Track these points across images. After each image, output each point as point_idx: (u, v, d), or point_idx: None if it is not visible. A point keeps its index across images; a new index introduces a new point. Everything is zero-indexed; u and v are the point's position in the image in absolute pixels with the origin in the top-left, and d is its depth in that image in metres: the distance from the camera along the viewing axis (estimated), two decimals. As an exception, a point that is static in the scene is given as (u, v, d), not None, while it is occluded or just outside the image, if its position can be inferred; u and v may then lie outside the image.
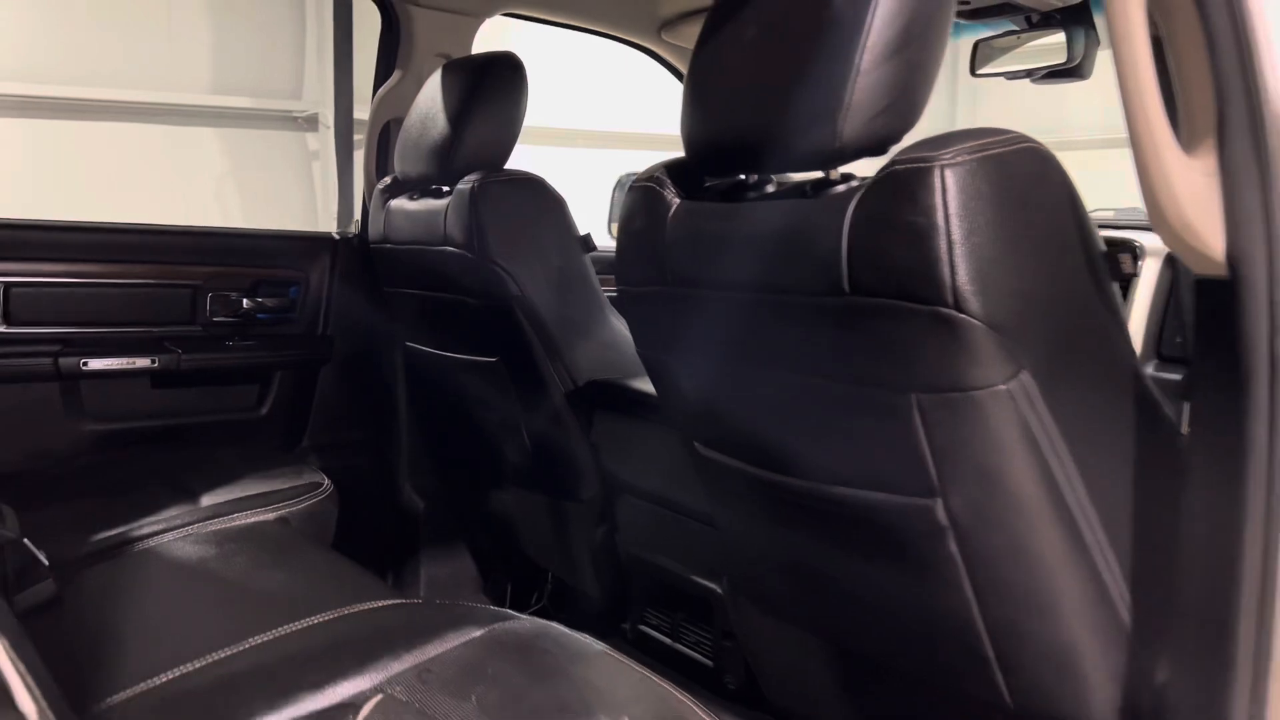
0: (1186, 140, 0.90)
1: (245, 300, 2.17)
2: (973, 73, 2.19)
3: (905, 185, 0.92)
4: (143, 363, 2.05)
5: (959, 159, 0.90)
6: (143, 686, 1.09)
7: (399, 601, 1.28)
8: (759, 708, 1.64)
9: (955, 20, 2.27)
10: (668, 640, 1.85)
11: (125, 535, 1.50)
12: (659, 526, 1.78)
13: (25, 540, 1.16)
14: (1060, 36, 2.06)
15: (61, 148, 5.20)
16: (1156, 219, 0.88)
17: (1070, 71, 2.07)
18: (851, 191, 0.98)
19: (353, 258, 2.27)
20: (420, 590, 2.36)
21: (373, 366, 2.33)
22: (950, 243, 0.89)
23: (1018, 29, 2.14)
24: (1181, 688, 0.94)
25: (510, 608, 2.12)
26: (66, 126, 5.27)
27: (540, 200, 1.81)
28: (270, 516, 1.61)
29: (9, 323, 1.96)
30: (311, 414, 2.30)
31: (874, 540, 1.10)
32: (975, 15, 2.11)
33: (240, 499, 1.64)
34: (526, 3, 2.26)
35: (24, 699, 0.65)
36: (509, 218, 1.77)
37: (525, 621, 1.21)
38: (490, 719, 0.98)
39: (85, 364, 1.99)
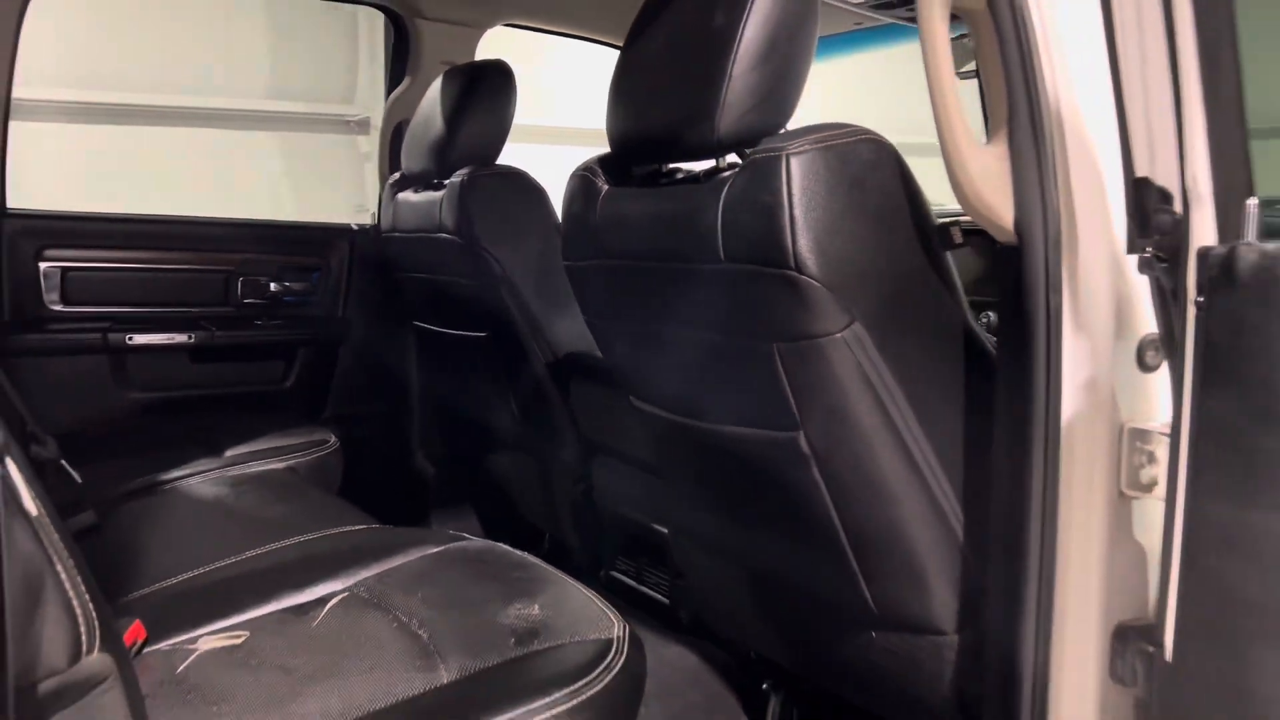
0: (990, 130, 1.10)
1: (273, 284, 2.43)
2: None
3: (760, 171, 1.12)
4: (181, 339, 2.32)
5: (804, 149, 1.11)
6: (159, 585, 1.34)
7: (374, 526, 1.52)
8: (707, 638, 1.86)
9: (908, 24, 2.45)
10: (634, 583, 2.07)
11: (154, 479, 1.75)
12: (627, 482, 1.99)
13: (63, 462, 1.41)
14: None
15: (126, 152, 5.54)
16: (959, 197, 1.08)
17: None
18: (727, 177, 1.18)
19: (368, 246, 2.51)
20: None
21: (386, 344, 2.57)
22: (793, 218, 1.10)
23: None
24: (993, 580, 1.13)
25: None
26: (131, 131, 5.62)
27: (523, 192, 2.03)
28: (280, 465, 1.86)
29: (65, 303, 2.24)
30: (331, 387, 2.55)
31: (761, 471, 1.31)
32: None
33: (255, 451, 1.89)
34: (524, 14, 2.49)
35: (69, 587, 0.87)
36: (495, 207, 2.00)
37: (477, 542, 1.43)
38: (430, 607, 1.20)
39: (130, 339, 2.26)
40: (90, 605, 0.72)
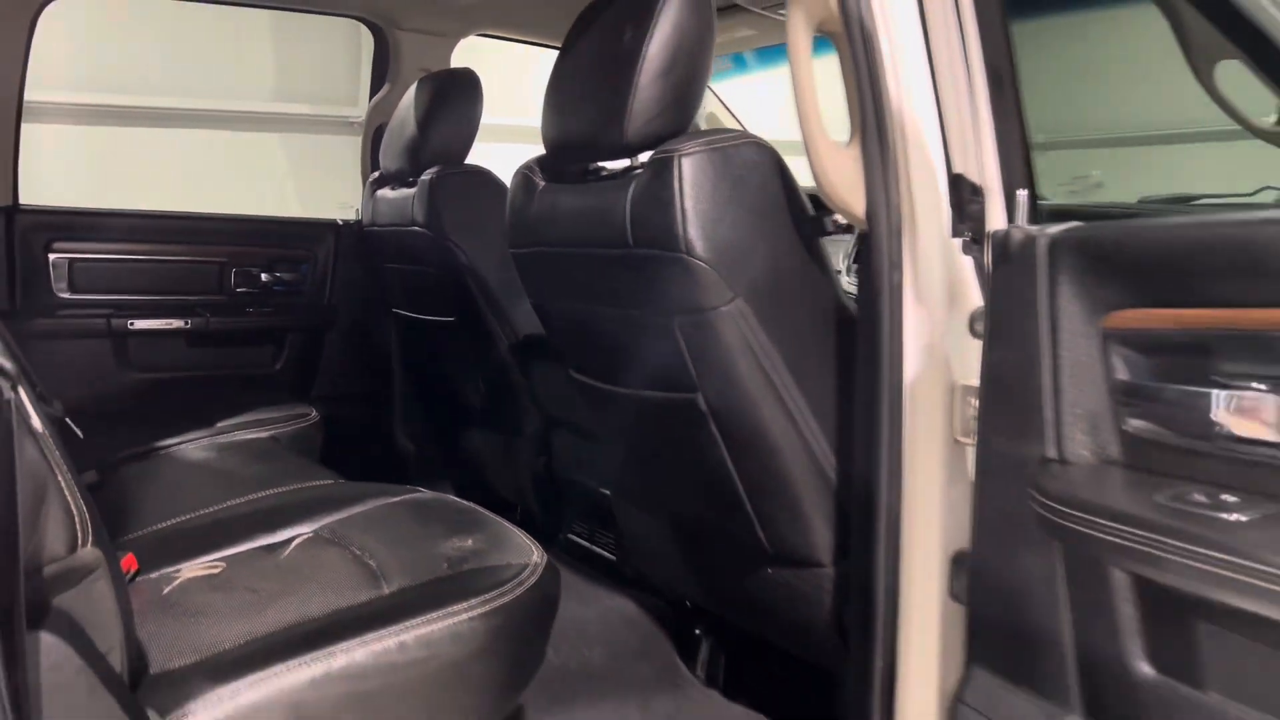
0: (850, 135, 1.29)
1: (263, 275, 2.64)
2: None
3: (658, 169, 1.32)
4: (178, 324, 2.53)
5: (694, 151, 1.31)
6: (150, 529, 1.54)
7: (341, 481, 1.72)
8: (648, 590, 2.06)
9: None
10: (587, 544, 2.27)
11: (151, 446, 1.96)
12: (581, 452, 2.19)
13: (67, 420, 1.61)
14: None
15: (135, 153, 5.75)
16: (822, 191, 1.28)
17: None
18: (635, 174, 1.38)
19: (352, 239, 2.72)
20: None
21: (369, 330, 2.78)
22: (683, 209, 1.30)
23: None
24: (855, 517, 1.33)
25: None
26: (139, 133, 5.83)
27: (486, 188, 2.23)
28: (264, 435, 2.06)
29: (72, 290, 2.44)
30: (318, 370, 2.75)
31: (671, 429, 1.51)
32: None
33: (242, 423, 2.09)
34: (496, 26, 2.69)
35: (66, 491, 1.05)
36: (460, 203, 2.20)
37: (430, 494, 1.63)
38: (380, 543, 1.40)
39: (131, 324, 2.47)
40: (84, 507, 0.93)
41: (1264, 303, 0.79)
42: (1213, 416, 0.83)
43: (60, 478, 0.91)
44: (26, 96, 2.30)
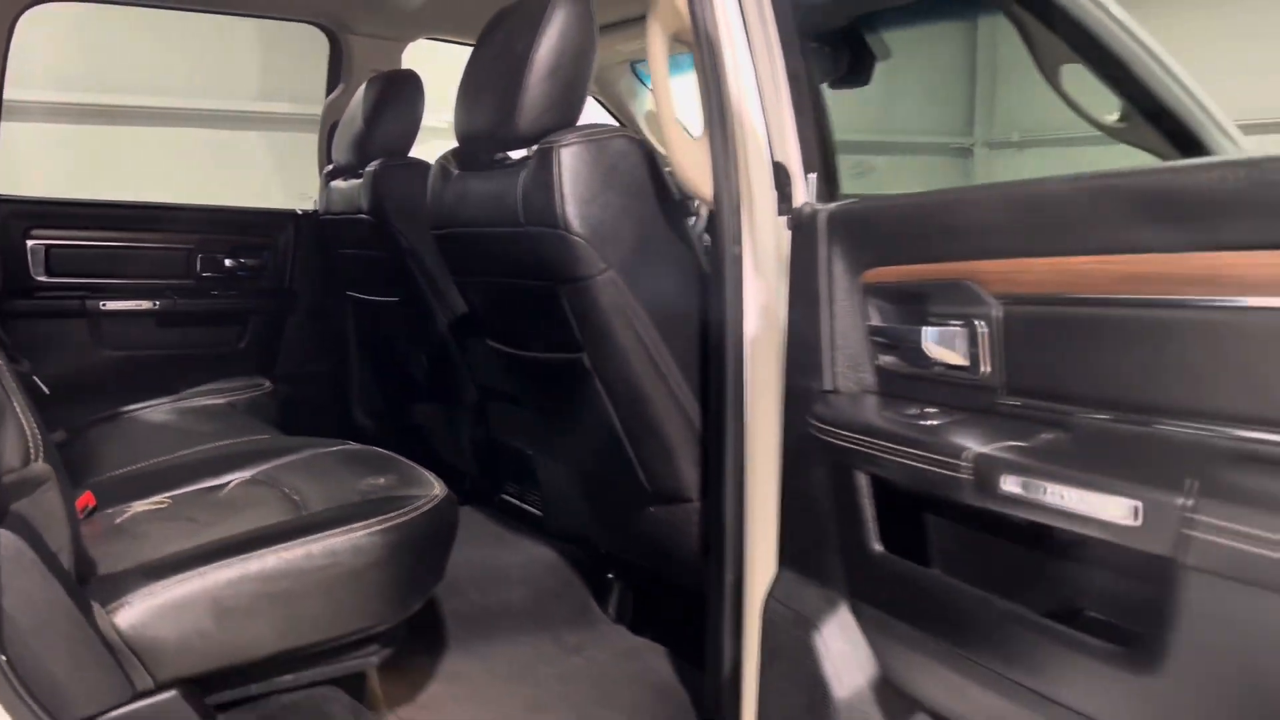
0: (702, 128, 1.51)
1: (228, 260, 2.85)
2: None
3: (542, 158, 1.54)
4: (148, 305, 2.74)
5: (572, 143, 1.53)
6: (110, 474, 1.76)
7: (282, 435, 1.94)
8: (568, 540, 2.28)
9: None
10: (518, 502, 2.49)
11: (117, 410, 2.18)
12: (512, 418, 2.41)
13: (35, 378, 1.84)
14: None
15: (121, 151, 5.95)
16: (678, 177, 1.49)
17: (853, 80, 2.65)
18: (527, 162, 1.60)
19: (310, 227, 2.94)
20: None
21: (327, 312, 2.99)
22: (562, 192, 1.52)
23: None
24: (710, 456, 1.55)
25: None
26: (126, 132, 6.03)
27: (425, 179, 2.44)
28: (220, 401, 2.28)
29: (49, 274, 2.66)
30: (280, 350, 2.97)
31: (566, 387, 1.73)
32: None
33: (202, 390, 2.31)
34: (444, 31, 2.91)
35: (20, 412, 1.26)
36: (401, 192, 2.42)
37: (359, 446, 1.85)
38: (306, 482, 1.62)
39: (104, 305, 2.69)
40: (35, 427, 1.14)
41: (956, 256, 1.01)
42: (924, 348, 1.05)
43: (15, 403, 1.13)
44: (10, 96, 2.49)
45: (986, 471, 0.90)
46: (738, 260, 1.44)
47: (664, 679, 1.86)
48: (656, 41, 1.49)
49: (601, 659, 1.96)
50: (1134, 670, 0.80)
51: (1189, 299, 0.78)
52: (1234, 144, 1.83)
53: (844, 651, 1.16)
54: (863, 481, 1.11)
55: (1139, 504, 0.76)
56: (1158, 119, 1.92)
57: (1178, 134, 1.88)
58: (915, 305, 1.08)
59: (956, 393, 1.04)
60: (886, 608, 1.10)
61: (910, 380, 1.10)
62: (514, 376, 1.95)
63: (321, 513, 1.45)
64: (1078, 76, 2.03)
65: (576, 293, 1.57)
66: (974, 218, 1.02)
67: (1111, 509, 0.78)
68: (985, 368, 0.99)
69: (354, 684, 1.49)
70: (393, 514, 1.41)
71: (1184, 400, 0.80)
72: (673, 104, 1.49)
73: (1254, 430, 0.74)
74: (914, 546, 1.11)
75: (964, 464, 0.92)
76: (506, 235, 1.66)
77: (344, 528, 1.36)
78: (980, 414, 1.01)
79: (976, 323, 0.99)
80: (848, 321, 1.17)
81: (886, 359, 1.14)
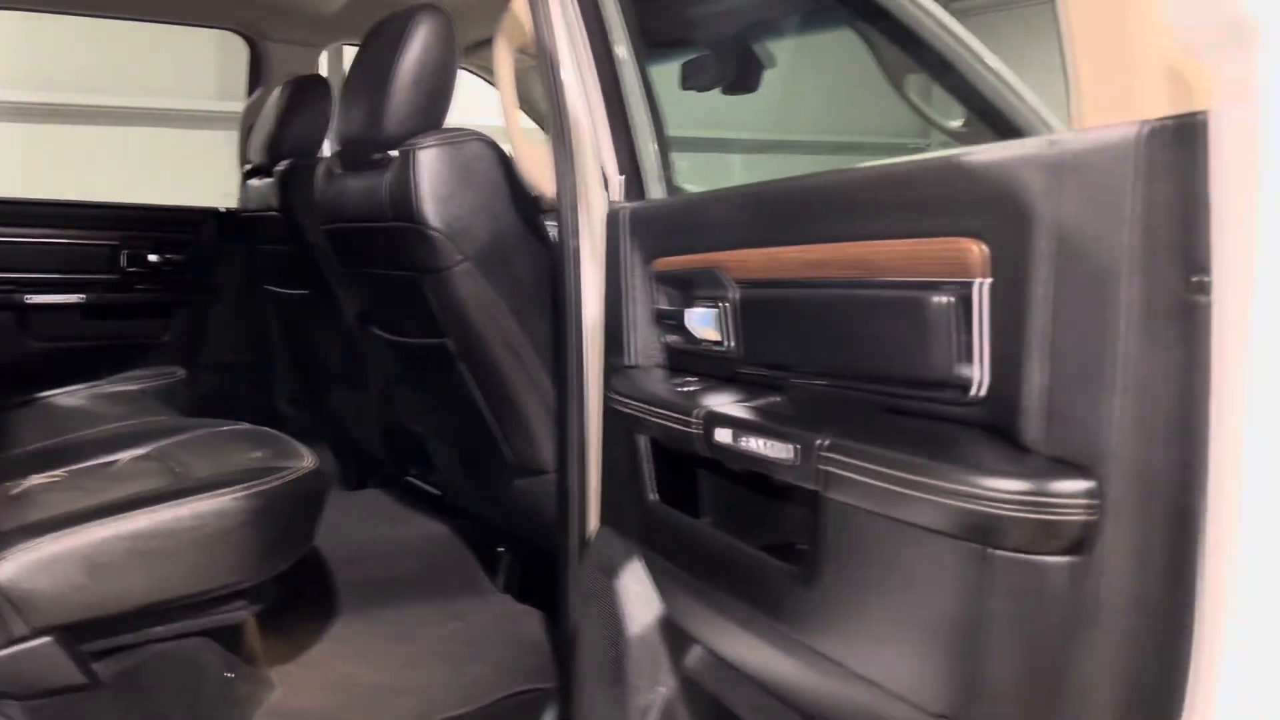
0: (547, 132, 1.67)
1: (152, 255, 2.98)
2: (681, 88, 2.95)
3: (404, 159, 1.70)
4: (74, 298, 2.87)
5: (429, 145, 1.68)
6: (11, 452, 1.90)
7: (182, 417, 2.09)
8: (464, 518, 2.43)
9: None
10: (421, 483, 2.65)
11: (33, 396, 2.32)
12: (413, 403, 2.56)
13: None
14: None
15: (86, 151, 6.04)
16: (524, 176, 1.65)
17: (742, 86, 2.82)
18: (393, 163, 1.76)
19: (233, 224, 3.07)
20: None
21: (249, 305, 3.13)
22: (420, 190, 1.67)
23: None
24: (560, 429, 1.70)
25: (356, 489, 2.94)
26: (92, 131, 6.13)
27: (331, 178, 2.59)
28: (133, 388, 2.42)
29: (-24, 269, 2.78)
30: (204, 342, 3.10)
31: (437, 369, 1.89)
32: (670, 45, 2.87)
33: (117, 378, 2.45)
34: (357, 36, 3.04)
35: None
36: (307, 190, 2.55)
37: (250, 426, 2.00)
38: (191, 457, 1.77)
39: (30, 299, 2.81)
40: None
41: (709, 248, 1.18)
42: (690, 327, 1.21)
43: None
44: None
45: (708, 426, 1.06)
46: (576, 253, 1.60)
47: (535, 638, 2.02)
48: (503, 55, 1.64)
49: (482, 622, 2.11)
50: (806, 587, 0.97)
51: (847, 279, 0.95)
52: None
53: (637, 593, 1.32)
54: (643, 442, 1.27)
55: (796, 446, 0.93)
56: (995, 123, 2.10)
57: (1013, 134, 2.06)
58: (686, 290, 1.24)
59: (713, 364, 1.20)
60: (663, 553, 1.27)
61: (686, 355, 1.27)
62: (396, 361, 2.10)
63: (193, 480, 1.60)
64: (925, 85, 2.21)
65: (436, 283, 1.73)
66: (719, 215, 1.19)
67: (781, 452, 0.95)
68: (729, 342, 1.16)
69: (227, 636, 1.64)
70: (257, 482, 1.56)
71: (845, 362, 0.97)
72: (517, 111, 1.65)
73: (883, 385, 0.92)
74: (687, 498, 1.27)
75: (695, 420, 1.09)
76: (377, 230, 1.82)
77: (210, 493, 1.51)
78: (727, 381, 1.17)
79: (723, 304, 1.15)
80: (642, 305, 1.33)
81: (671, 338, 1.30)
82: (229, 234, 3.08)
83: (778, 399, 1.09)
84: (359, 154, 1.91)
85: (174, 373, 2.57)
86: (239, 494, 1.52)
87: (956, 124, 2.19)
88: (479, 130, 1.76)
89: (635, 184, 1.47)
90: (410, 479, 2.70)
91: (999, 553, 0.75)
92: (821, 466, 0.89)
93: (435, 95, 1.77)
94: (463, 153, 1.70)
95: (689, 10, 2.81)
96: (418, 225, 1.69)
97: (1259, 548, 0.67)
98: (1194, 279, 0.68)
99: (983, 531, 0.76)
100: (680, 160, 1.55)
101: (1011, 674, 0.76)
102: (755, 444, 0.99)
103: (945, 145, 2.37)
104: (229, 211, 3.11)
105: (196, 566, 1.50)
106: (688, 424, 1.11)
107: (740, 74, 2.82)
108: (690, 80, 2.96)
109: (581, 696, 1.43)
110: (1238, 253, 0.66)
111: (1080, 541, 0.72)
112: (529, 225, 1.76)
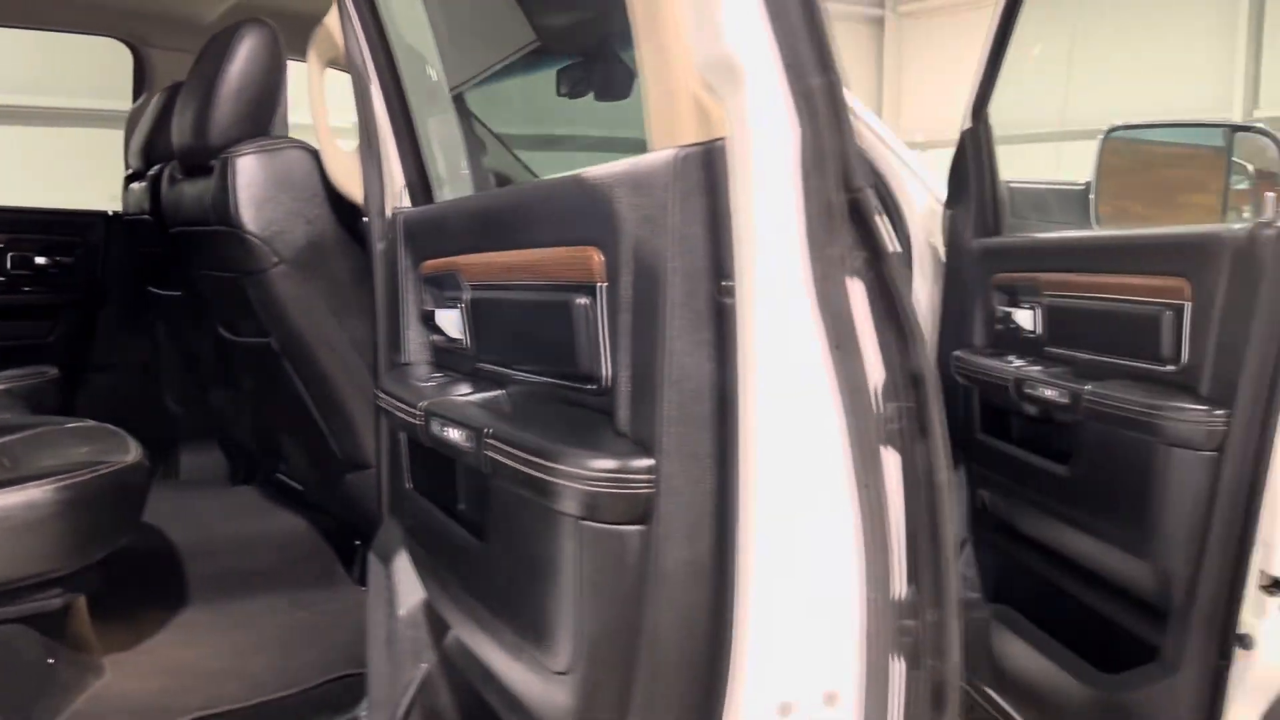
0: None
1: (39, 258, 3.03)
2: (557, 94, 3.04)
3: (223, 167, 1.78)
4: None
5: (248, 152, 1.77)
6: None
7: (37, 417, 2.15)
8: (326, 513, 2.51)
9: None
10: (287, 479, 2.72)
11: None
12: (266, 401, 2.64)
13: None
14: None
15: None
16: (335, 183, 1.73)
17: (612, 93, 2.91)
18: (215, 170, 1.83)
19: (119, 227, 3.13)
20: (180, 473, 3.23)
21: (135, 306, 3.18)
22: (236, 196, 1.75)
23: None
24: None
25: (243, 484, 3.00)
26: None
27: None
28: (2, 386, 2.48)
29: None
30: (93, 342, 3.16)
31: (265, 369, 1.97)
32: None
33: (-16, 379, 2.50)
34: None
35: None
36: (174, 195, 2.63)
37: (97, 425, 2.06)
38: (26, 452, 1.83)
39: None
40: None
41: (452, 252, 1.27)
42: (441, 325, 1.31)
43: None
44: None
45: (427, 419, 1.16)
46: (382, 255, 1.68)
47: (374, 627, 2.10)
48: (315, 67, 1.73)
49: (331, 612, 2.19)
50: (482, 551, 1.07)
51: (526, 283, 1.05)
52: (889, 148, 2.13)
53: (404, 579, 1.41)
54: (403, 439, 1.37)
55: (472, 434, 1.02)
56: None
57: None
58: (441, 291, 1.33)
59: (457, 359, 1.30)
60: (417, 538, 1.36)
61: (444, 352, 1.36)
62: (237, 360, 2.18)
63: (20, 475, 1.67)
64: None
65: (256, 285, 1.81)
66: (458, 222, 1.28)
67: (463, 440, 1.04)
68: (466, 339, 1.25)
69: (47, 623, 1.71)
70: (67, 475, 1.64)
71: (534, 358, 1.07)
72: (327, 122, 1.74)
73: (558, 379, 1.02)
74: (448, 488, 1.37)
75: (419, 414, 1.18)
76: (204, 234, 1.90)
77: (18, 486, 1.58)
78: (467, 376, 1.27)
79: (460, 304, 1.25)
80: (414, 305, 1.42)
81: (435, 336, 1.39)
82: (117, 236, 3.14)
83: (500, 392, 1.18)
84: (191, 161, 1.99)
85: (45, 372, 2.62)
86: (47, 487, 1.60)
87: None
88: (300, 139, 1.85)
89: (422, 190, 1.56)
90: (279, 475, 2.77)
91: (589, 524, 0.85)
92: (486, 452, 0.99)
93: (261, 104, 1.85)
94: (280, 160, 1.78)
95: (558, 19, 2.90)
96: (235, 229, 1.77)
97: (768, 519, 0.77)
98: (723, 283, 0.78)
99: (578, 505, 0.85)
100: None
101: (604, 630, 0.86)
102: (450, 434, 1.08)
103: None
104: (116, 214, 3.17)
105: (3, 556, 1.57)
106: (415, 417, 1.20)
107: (608, 81, 2.92)
108: (564, 87, 3.07)
109: (369, 674, 1.52)
110: (748, 260, 0.76)
111: (646, 513, 0.82)
112: (348, 229, 1.84)
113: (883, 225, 0.75)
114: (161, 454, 3.23)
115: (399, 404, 1.30)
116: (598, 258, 0.90)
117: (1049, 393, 1.62)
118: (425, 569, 1.35)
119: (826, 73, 0.72)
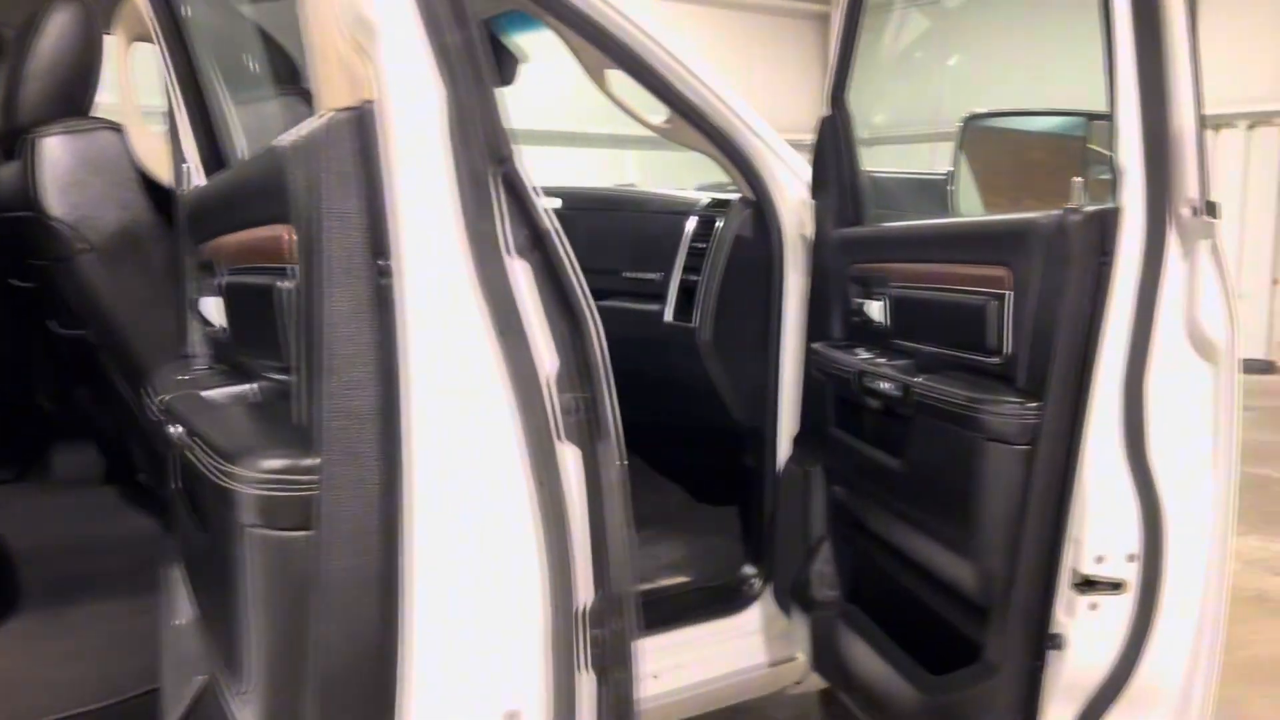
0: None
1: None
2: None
3: (29, 148, 1.67)
4: None
5: (54, 133, 1.66)
6: None
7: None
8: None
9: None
10: (145, 479, 2.61)
11: None
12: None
13: None
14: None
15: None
16: (142, 163, 1.64)
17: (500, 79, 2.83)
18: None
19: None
20: (53, 473, 3.09)
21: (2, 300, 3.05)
22: (40, 179, 1.65)
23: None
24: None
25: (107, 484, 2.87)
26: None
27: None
28: None
29: None
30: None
31: (90, 364, 1.86)
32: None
33: None
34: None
35: None
36: None
37: None
38: None
39: None
40: None
41: (208, 236, 1.19)
42: (205, 314, 1.22)
43: None
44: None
45: (167, 416, 1.08)
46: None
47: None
48: (121, 43, 1.63)
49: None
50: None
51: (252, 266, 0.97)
52: (762, 141, 2.06)
53: (182, 589, 1.33)
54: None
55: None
56: (695, 121, 2.13)
57: (714, 133, 2.10)
58: (213, 278, 1.25)
59: (220, 350, 1.21)
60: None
61: (212, 342, 1.28)
62: (63, 355, 2.07)
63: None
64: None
65: (64, 272, 1.71)
66: (209, 207, 1.20)
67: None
68: (226, 328, 1.17)
69: None
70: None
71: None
72: (136, 100, 1.64)
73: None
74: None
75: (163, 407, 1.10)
76: (13, 220, 1.79)
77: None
78: (230, 368, 1.19)
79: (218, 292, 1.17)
80: (193, 294, 1.34)
81: (208, 327, 1.31)
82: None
83: (252, 386, 1.10)
84: (7, 144, 1.87)
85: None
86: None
87: (660, 120, 2.23)
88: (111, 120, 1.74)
89: (216, 166, 1.48)
90: (141, 475, 2.66)
91: (255, 530, 0.77)
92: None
93: (73, 82, 1.75)
94: (90, 141, 1.68)
95: None
96: (38, 214, 1.67)
97: (437, 522, 0.70)
98: (380, 262, 0.70)
99: (245, 510, 0.78)
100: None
101: (275, 646, 0.79)
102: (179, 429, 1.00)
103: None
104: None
105: None
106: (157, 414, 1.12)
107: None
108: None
109: (161, 685, 1.44)
110: (403, 236, 0.68)
111: (310, 517, 0.74)
112: (166, 214, 1.74)
113: (538, 202, 0.68)
114: (36, 453, 3.10)
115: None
116: (288, 237, 0.82)
117: (885, 386, 1.60)
118: None
119: (464, 28, 0.65)
